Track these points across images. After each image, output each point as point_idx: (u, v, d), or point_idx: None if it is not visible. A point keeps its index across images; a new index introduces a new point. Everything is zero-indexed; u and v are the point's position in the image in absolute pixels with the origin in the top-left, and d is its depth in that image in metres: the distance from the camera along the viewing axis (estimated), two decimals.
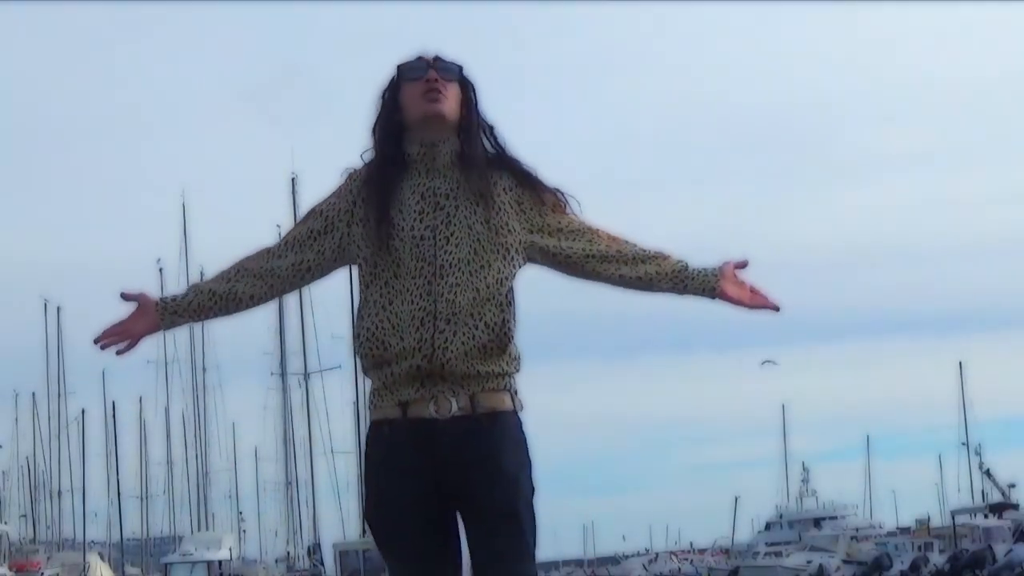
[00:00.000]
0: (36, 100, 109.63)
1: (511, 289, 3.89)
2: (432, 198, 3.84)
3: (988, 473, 71.32)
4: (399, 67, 3.95)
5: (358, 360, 3.88)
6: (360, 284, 3.88)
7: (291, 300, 57.84)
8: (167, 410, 63.65)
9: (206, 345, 62.10)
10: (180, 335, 61.65)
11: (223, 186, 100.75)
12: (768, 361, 70.76)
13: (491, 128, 3.98)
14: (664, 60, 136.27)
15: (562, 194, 3.98)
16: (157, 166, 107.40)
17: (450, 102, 3.89)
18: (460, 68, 3.96)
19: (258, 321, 60.46)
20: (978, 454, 73.18)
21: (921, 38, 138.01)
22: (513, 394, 3.88)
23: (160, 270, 61.42)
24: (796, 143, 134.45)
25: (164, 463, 65.60)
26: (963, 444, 74.00)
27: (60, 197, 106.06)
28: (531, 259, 3.94)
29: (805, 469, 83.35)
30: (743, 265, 3.95)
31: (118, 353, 3.91)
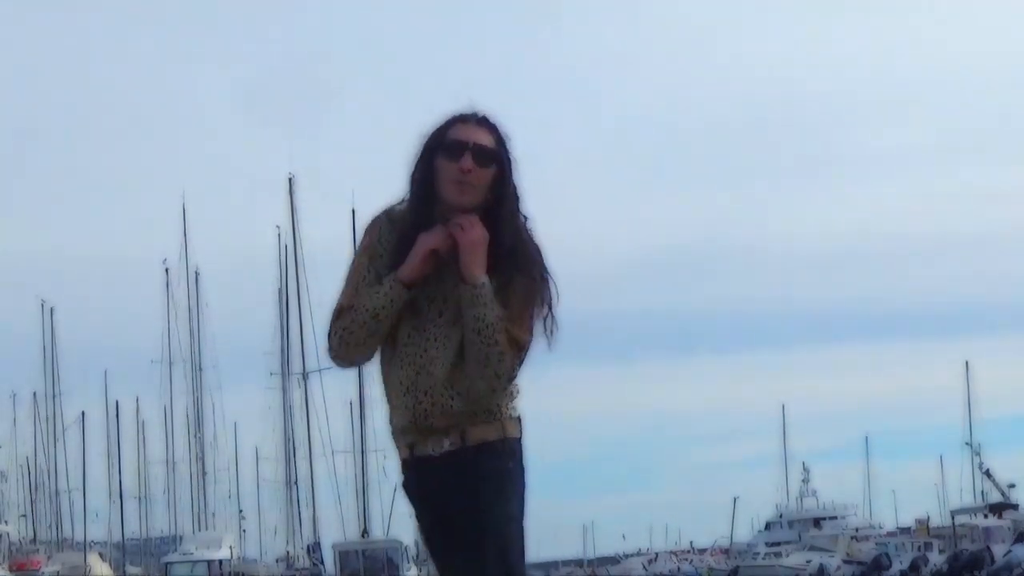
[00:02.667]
0: (36, 100, 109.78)
1: None
2: (437, 265, 3.94)
3: (988, 473, 71.40)
4: (442, 140, 3.94)
5: None
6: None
7: (291, 300, 58.15)
8: (167, 410, 63.71)
9: (206, 345, 62.21)
10: (180, 335, 61.87)
11: (222, 187, 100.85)
12: None
13: (516, 207, 3.98)
14: (663, 57, 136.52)
15: (532, 296, 3.95)
16: (157, 166, 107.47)
17: (478, 192, 3.92)
18: (500, 145, 3.95)
19: (258, 321, 60.63)
20: (977, 454, 73.26)
21: (921, 36, 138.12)
22: (505, 421, 4.00)
23: (166, 270, 61.70)
24: (797, 140, 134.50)
25: (164, 463, 65.69)
26: (967, 444, 74.09)
27: (59, 197, 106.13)
28: None
29: (805, 469, 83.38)
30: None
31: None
